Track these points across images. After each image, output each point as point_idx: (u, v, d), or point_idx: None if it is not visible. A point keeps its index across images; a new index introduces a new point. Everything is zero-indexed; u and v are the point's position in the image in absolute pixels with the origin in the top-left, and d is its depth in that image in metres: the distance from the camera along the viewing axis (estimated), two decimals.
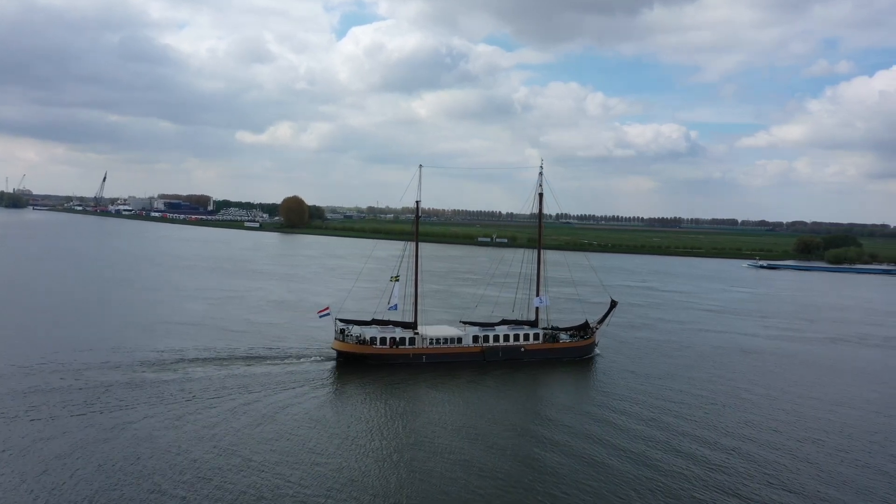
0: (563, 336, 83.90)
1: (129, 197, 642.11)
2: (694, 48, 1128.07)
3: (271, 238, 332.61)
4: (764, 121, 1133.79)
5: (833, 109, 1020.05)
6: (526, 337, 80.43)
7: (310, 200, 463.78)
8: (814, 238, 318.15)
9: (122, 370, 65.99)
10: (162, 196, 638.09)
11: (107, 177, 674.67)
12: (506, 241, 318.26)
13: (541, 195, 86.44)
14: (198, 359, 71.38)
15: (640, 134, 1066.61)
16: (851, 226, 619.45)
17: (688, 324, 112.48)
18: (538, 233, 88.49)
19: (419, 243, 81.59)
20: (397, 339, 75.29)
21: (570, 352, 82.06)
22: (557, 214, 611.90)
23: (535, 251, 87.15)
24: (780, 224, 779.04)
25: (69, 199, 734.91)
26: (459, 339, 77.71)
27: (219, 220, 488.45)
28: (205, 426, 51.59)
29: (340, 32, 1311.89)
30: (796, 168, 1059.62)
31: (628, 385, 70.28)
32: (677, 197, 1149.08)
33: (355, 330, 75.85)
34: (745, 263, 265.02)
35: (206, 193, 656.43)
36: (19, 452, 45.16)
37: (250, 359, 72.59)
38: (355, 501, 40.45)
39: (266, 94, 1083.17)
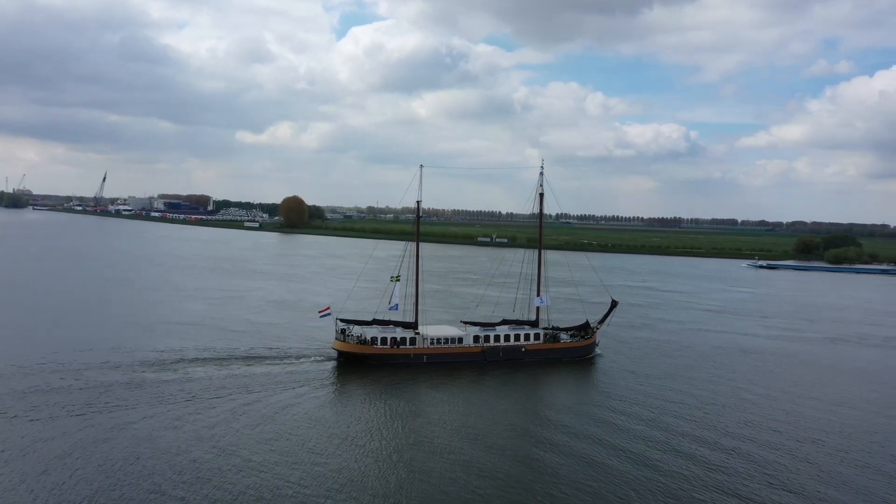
0: (564, 336, 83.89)
1: (129, 197, 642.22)
2: (694, 48, 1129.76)
3: (271, 238, 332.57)
4: (764, 121, 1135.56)
5: (833, 109, 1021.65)
6: (527, 337, 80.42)
7: (310, 200, 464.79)
8: (813, 238, 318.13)
9: (122, 370, 65.98)
10: (162, 196, 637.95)
11: (107, 177, 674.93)
12: (505, 241, 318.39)
13: (541, 195, 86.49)
14: (198, 359, 71.37)
15: (640, 134, 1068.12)
16: (851, 226, 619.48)
17: (688, 324, 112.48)
18: (539, 233, 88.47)
19: (419, 243, 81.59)
20: (398, 339, 75.28)
21: (571, 352, 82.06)
22: (557, 214, 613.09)
23: (535, 251, 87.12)
24: (779, 224, 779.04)
25: (69, 199, 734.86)
26: (460, 339, 77.71)
27: (219, 220, 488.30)
28: (205, 426, 51.58)
29: (340, 32, 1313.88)
30: (796, 168, 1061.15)
31: (628, 385, 70.27)
32: (677, 197, 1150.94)
33: (356, 330, 75.84)
34: (744, 263, 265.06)
35: (206, 193, 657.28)
36: (19, 452, 45.16)
37: (250, 359, 72.57)
38: (355, 501, 40.44)
39: (266, 94, 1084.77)
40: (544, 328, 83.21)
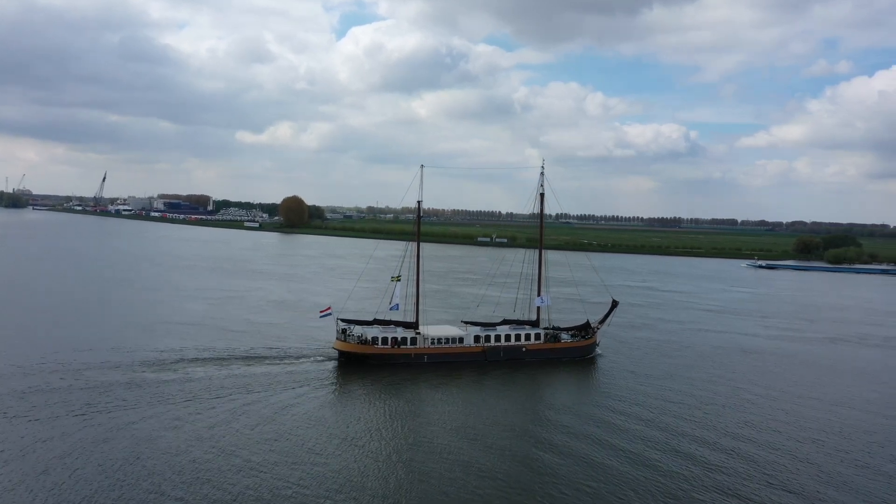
0: (565, 336, 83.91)
1: (129, 197, 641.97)
2: (694, 48, 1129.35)
3: (271, 238, 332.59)
4: (764, 121, 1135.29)
5: (833, 109, 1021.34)
6: (527, 337, 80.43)
7: (310, 200, 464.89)
8: (813, 238, 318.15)
9: (122, 370, 65.98)
10: (162, 196, 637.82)
11: (106, 177, 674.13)
12: (505, 241, 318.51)
13: (542, 195, 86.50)
14: (198, 359, 71.37)
15: (640, 134, 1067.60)
16: (851, 226, 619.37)
17: (688, 324, 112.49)
18: (539, 232, 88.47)
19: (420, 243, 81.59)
20: (399, 338, 75.30)
21: (572, 352, 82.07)
22: (557, 214, 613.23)
23: (536, 251, 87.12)
24: (779, 224, 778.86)
25: (69, 199, 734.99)
26: (461, 339, 77.72)
27: (218, 220, 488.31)
28: (205, 426, 51.57)
29: (340, 32, 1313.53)
30: (796, 168, 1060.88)
31: (629, 385, 70.27)
32: (677, 197, 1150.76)
33: (357, 330, 75.88)
34: (744, 263, 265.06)
35: (205, 193, 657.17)
36: (19, 452, 45.15)
37: (250, 359, 72.57)
38: (354, 502, 40.44)
39: (266, 94, 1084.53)
40: (545, 328, 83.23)
